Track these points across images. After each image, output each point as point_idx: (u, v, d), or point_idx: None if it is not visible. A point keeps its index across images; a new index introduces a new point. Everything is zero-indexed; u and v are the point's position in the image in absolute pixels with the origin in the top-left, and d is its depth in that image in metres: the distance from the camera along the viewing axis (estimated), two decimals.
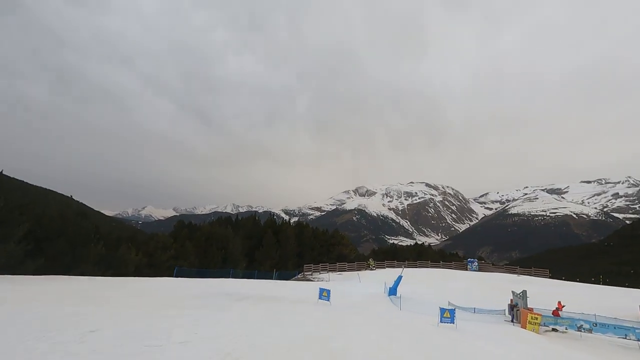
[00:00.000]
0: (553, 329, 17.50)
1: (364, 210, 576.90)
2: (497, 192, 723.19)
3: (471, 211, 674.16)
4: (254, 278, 33.00)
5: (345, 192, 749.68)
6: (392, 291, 24.32)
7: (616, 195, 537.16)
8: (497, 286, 32.80)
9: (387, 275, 36.92)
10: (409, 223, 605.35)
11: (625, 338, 15.96)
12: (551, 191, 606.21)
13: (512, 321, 19.24)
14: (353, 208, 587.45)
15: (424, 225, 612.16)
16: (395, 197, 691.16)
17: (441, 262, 53.87)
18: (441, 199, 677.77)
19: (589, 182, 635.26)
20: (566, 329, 17.26)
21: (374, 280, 36.15)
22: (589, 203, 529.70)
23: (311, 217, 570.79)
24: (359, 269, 48.12)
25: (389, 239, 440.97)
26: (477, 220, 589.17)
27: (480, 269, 49.78)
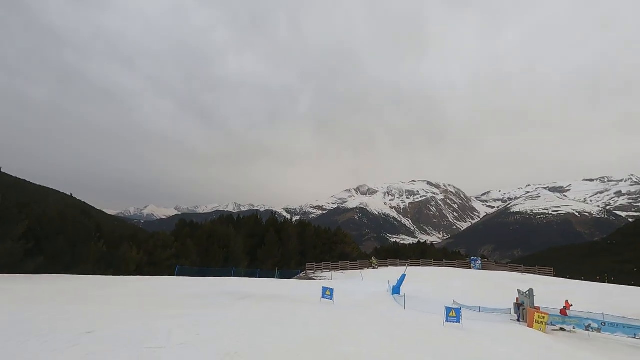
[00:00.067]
0: (561, 329, 17.21)
1: (366, 209, 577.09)
2: (499, 191, 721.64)
3: (473, 209, 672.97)
4: (256, 277, 32.78)
5: (346, 190, 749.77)
6: (396, 290, 24.10)
7: (619, 193, 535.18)
8: (501, 285, 32.62)
9: (390, 274, 36.67)
10: (410, 221, 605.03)
11: (635, 337, 15.68)
12: (553, 189, 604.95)
13: (518, 320, 18.95)
14: (355, 206, 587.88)
15: (425, 223, 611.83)
16: (396, 195, 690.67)
17: (444, 261, 53.52)
18: (443, 198, 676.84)
19: (591, 180, 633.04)
20: (574, 328, 16.98)
21: (377, 279, 35.93)
22: (591, 201, 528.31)
23: (313, 215, 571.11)
24: (361, 268, 47.86)
25: (390, 237, 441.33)
26: (479, 219, 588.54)
27: (483, 268, 49.47)
